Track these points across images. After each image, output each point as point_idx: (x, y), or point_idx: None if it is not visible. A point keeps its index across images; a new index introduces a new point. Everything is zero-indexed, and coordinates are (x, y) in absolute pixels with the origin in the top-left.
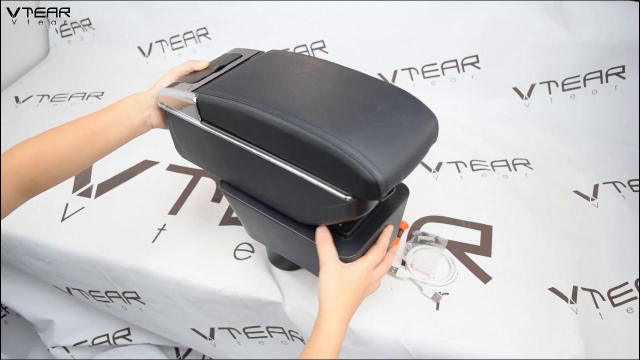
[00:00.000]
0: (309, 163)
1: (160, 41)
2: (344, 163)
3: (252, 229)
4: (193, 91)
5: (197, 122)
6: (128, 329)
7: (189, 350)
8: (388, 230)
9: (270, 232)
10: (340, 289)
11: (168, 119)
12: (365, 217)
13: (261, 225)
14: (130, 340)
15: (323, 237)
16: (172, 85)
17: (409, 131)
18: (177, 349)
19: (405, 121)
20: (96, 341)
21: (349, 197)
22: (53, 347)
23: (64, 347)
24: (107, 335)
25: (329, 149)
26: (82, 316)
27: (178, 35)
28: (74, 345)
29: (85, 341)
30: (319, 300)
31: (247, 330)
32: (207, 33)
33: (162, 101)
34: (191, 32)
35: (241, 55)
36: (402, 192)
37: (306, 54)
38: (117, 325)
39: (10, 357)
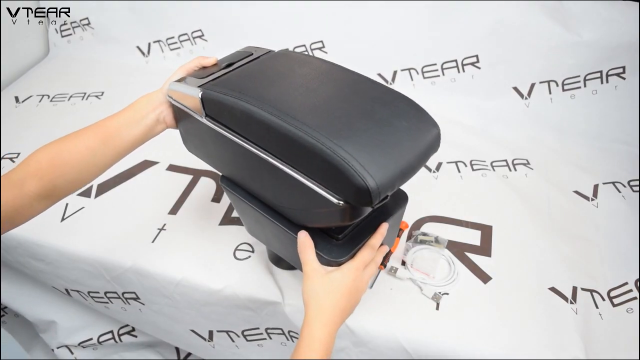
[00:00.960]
0: (304, 165)
1: (159, 41)
2: (337, 167)
3: (250, 226)
4: (199, 87)
5: (201, 118)
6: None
7: (189, 352)
8: (382, 229)
9: (266, 229)
10: (324, 293)
11: (176, 113)
12: (359, 221)
13: (257, 222)
14: (136, 337)
15: (304, 243)
16: (180, 80)
17: (407, 139)
18: (177, 351)
19: (404, 129)
20: (102, 339)
21: (342, 202)
22: (58, 347)
23: (68, 348)
24: (111, 332)
25: (323, 152)
26: (85, 315)
27: (173, 37)
28: (80, 344)
29: (91, 339)
30: (304, 307)
31: (245, 333)
32: (202, 35)
33: (170, 95)
34: (186, 34)
35: (252, 54)
36: (400, 199)
37: (310, 54)
38: (121, 323)
39: (9, 358)
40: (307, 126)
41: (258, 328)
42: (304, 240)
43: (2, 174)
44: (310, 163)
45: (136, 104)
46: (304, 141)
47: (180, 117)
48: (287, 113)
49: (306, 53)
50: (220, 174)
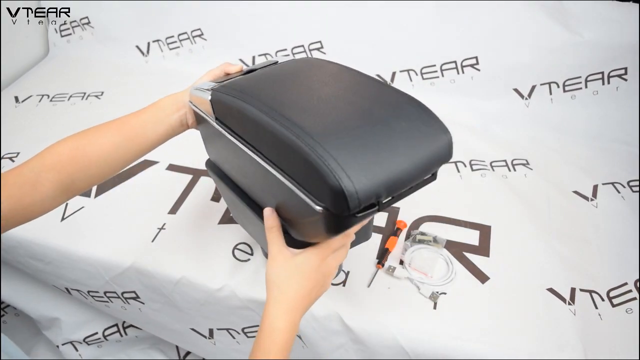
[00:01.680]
0: (289, 166)
1: (158, 41)
2: (313, 166)
3: (232, 210)
4: (210, 89)
5: (212, 121)
6: None
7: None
8: None
9: (240, 210)
10: (286, 277)
11: (197, 117)
12: None
13: (233, 203)
14: (141, 329)
15: (270, 223)
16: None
17: (404, 142)
18: (177, 350)
19: (402, 130)
20: (107, 332)
21: (321, 208)
22: (63, 344)
23: (73, 345)
24: (116, 325)
25: (300, 150)
26: (88, 310)
27: (173, 36)
28: (85, 339)
29: (96, 333)
30: (266, 290)
31: (246, 330)
32: (201, 34)
33: (191, 100)
34: (186, 33)
35: (277, 62)
36: None
37: (308, 54)
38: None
39: (9, 358)
40: (293, 123)
41: (258, 325)
42: (270, 217)
43: (11, 169)
44: (293, 163)
45: (160, 102)
46: (285, 138)
47: (200, 122)
48: (277, 110)
49: (327, 59)
50: (208, 157)
